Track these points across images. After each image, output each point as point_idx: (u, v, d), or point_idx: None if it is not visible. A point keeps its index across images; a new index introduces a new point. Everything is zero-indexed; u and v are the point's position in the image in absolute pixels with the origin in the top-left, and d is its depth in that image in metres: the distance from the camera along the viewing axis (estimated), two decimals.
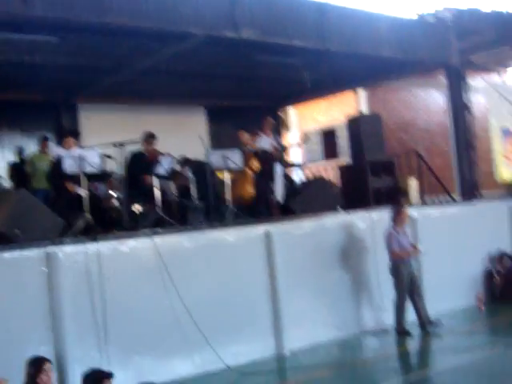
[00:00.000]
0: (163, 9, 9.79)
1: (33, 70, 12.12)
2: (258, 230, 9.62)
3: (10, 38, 10.26)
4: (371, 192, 12.31)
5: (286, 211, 11.21)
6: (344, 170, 13.52)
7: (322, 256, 10.29)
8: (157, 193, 9.96)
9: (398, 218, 10.25)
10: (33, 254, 7.63)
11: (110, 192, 10.38)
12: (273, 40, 11.44)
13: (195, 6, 10.16)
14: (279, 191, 11.92)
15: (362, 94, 18.87)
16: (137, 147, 10.59)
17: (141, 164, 10.32)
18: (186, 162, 11.94)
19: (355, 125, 13.13)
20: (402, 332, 10.07)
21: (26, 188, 11.02)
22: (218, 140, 16.17)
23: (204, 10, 10.23)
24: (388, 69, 14.69)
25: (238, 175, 10.95)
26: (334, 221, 10.66)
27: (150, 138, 10.73)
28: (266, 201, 11.42)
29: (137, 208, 9.98)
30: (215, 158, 10.41)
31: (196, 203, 10.92)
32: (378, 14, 13.22)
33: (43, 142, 12.58)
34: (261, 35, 11.15)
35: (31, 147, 13.94)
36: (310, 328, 9.85)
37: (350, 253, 10.64)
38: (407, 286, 10.07)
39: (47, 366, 6.35)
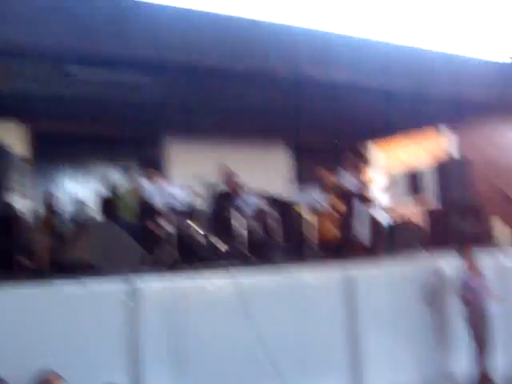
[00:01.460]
0: (252, 50, 9.99)
1: (124, 106, 12.56)
2: (340, 272, 9.58)
3: (106, 77, 10.70)
4: (457, 235, 12.08)
5: (370, 253, 11.10)
6: (430, 213, 13.34)
7: (405, 298, 10.13)
8: (240, 230, 10.05)
9: (469, 262, 10.04)
10: (117, 285, 7.81)
11: (195, 228, 10.55)
12: (361, 80, 11.49)
13: (283, 48, 10.33)
14: (363, 232, 11.82)
15: (450, 135, 18.61)
16: (221, 184, 10.75)
17: (223, 201, 10.44)
18: (270, 200, 12.00)
19: (443, 167, 12.99)
20: (483, 379, 9.78)
21: (114, 220, 11.34)
22: (303, 178, 16.21)
23: (292, 51, 10.37)
24: (478, 110, 14.50)
25: (322, 215, 10.94)
26: (419, 263, 10.51)
27: (231, 175, 10.86)
28: (349, 242, 11.33)
29: (220, 244, 10.10)
30: (300, 197, 10.46)
31: (279, 242, 10.96)
32: (468, 56, 13.12)
33: (131, 175, 12.93)
34: (349, 75, 11.24)
35: (121, 180, 14.36)
36: (390, 371, 9.69)
37: (433, 296, 10.45)
38: (480, 333, 9.80)
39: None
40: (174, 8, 9.49)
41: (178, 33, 9.44)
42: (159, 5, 9.35)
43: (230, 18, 9.98)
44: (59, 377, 6.81)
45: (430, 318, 10.40)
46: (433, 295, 10.45)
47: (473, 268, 10.04)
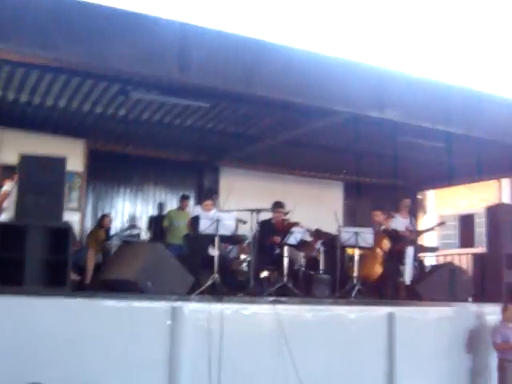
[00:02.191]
0: (311, 85, 10.09)
1: (182, 131, 12.82)
2: (381, 311, 9.55)
3: (165, 101, 10.95)
4: (505, 285, 11.89)
5: (413, 294, 11.04)
6: (478, 259, 13.16)
7: (444, 344, 10.03)
8: (285, 261, 10.12)
9: (505, 311, 9.93)
10: (160, 306, 7.94)
11: (240, 255, 10.66)
12: (416, 123, 11.49)
13: (343, 86, 10.41)
14: (408, 274, 11.78)
15: (505, 182, 18.45)
16: (270, 214, 10.83)
17: (269, 231, 10.51)
18: (317, 234, 12.06)
19: (494, 214, 12.79)
20: None
21: (162, 242, 11.54)
22: (353, 215, 16.24)
23: (351, 90, 10.44)
24: None
25: (368, 253, 10.93)
26: (461, 310, 10.41)
27: (279, 207, 10.91)
28: (393, 282, 11.29)
29: (264, 274, 10.18)
30: (347, 234, 10.46)
31: (322, 276, 11.00)
32: None
33: (183, 199, 13.15)
34: (405, 117, 11.25)
35: (172, 203, 14.61)
36: None
37: (472, 344, 10.31)
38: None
39: None
40: (239, 37, 9.68)
41: (241, 63, 9.60)
42: (225, 33, 9.54)
43: (292, 51, 10.11)
44: None
45: (468, 366, 10.24)
46: (473, 341, 10.31)
47: (508, 316, 9.90)
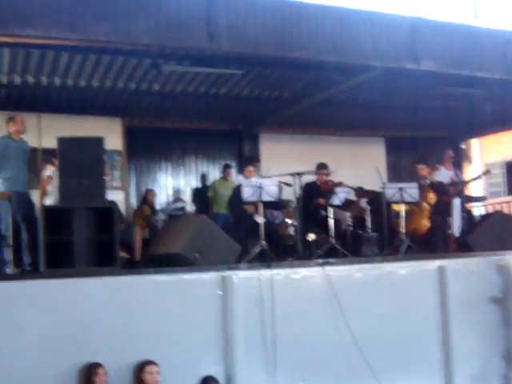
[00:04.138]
0: (344, 43, 9.97)
1: (218, 101, 12.78)
2: (431, 265, 9.41)
3: (198, 72, 10.90)
4: None
5: (463, 246, 10.90)
6: None
7: (497, 294, 9.87)
8: (331, 222, 10.06)
9: None
10: (209, 277, 7.93)
11: (286, 220, 10.62)
12: (454, 71, 11.28)
13: (375, 40, 10.25)
14: (456, 225, 11.62)
15: None
16: (312, 177, 10.76)
17: (313, 193, 10.44)
18: (362, 192, 11.96)
19: None
20: None
21: (207, 213, 11.55)
22: (396, 171, 16.08)
23: (384, 43, 10.28)
24: None
25: (414, 208, 10.79)
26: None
27: (322, 168, 10.82)
28: (441, 235, 11.15)
29: (311, 237, 10.12)
30: (391, 190, 10.33)
31: (370, 234, 10.91)
32: None
33: (225, 169, 13.12)
34: (441, 66, 11.05)
35: (214, 174, 14.62)
36: (481, 367, 9.50)
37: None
38: None
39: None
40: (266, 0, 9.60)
41: (270, 26, 9.51)
42: None
43: (321, 8, 9.96)
44: (155, 364, 7.02)
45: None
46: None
47: None
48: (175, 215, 12.22)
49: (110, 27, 8.66)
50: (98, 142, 8.26)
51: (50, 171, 9.58)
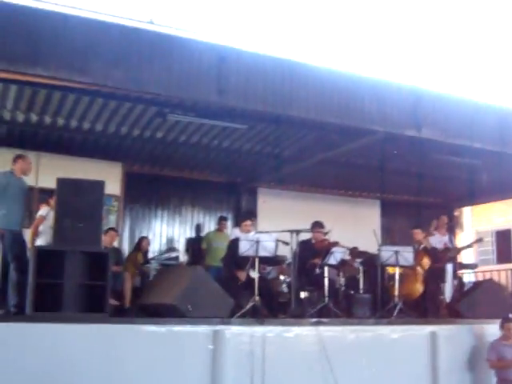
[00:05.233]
0: (348, 105, 10.09)
1: (219, 153, 12.85)
2: (423, 330, 9.42)
3: (204, 124, 10.98)
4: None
5: (454, 312, 10.89)
6: None
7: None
8: (325, 282, 10.03)
9: (503, 330, 9.62)
10: (201, 330, 7.88)
11: (280, 276, 10.59)
12: (453, 141, 11.44)
13: (379, 105, 10.40)
14: (448, 291, 11.64)
15: None
16: (309, 235, 10.75)
17: (309, 251, 10.43)
18: (356, 253, 11.98)
19: None
20: None
21: (200, 264, 11.50)
22: (390, 234, 16.12)
23: (388, 110, 10.43)
24: None
25: (408, 272, 10.81)
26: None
27: (318, 226, 10.82)
28: (434, 300, 11.16)
29: (304, 294, 10.09)
30: (387, 253, 10.35)
31: (363, 295, 10.89)
32: None
33: (221, 221, 13.12)
34: (441, 135, 11.21)
35: (210, 225, 14.60)
36: None
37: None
38: None
39: None
40: (276, 59, 9.74)
41: (279, 85, 9.64)
42: (262, 55, 9.60)
43: (329, 72, 10.12)
44: None
45: None
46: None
47: (506, 335, 9.58)
48: (168, 265, 12.15)
49: (120, 73, 8.72)
50: (98, 185, 8.27)
51: (44, 211, 9.54)
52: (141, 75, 8.82)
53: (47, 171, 11.22)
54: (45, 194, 10.39)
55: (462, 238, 19.41)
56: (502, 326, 9.60)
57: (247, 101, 9.40)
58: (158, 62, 8.87)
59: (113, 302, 9.35)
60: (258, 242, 9.23)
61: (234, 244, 9.76)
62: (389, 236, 15.68)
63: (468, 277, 15.79)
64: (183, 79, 8.92)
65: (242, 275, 9.81)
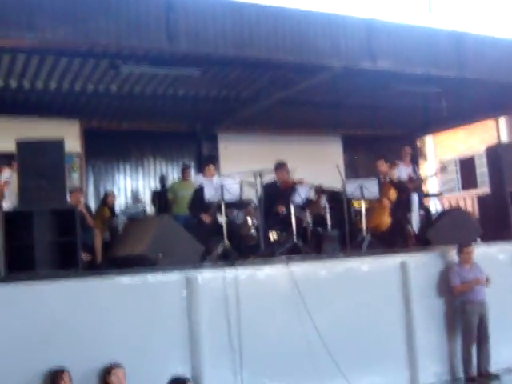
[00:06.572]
0: (302, 42, 10.05)
1: (176, 101, 12.74)
2: (393, 260, 9.53)
3: (156, 72, 10.87)
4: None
5: (422, 241, 11.04)
6: (483, 201, 13.12)
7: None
8: (292, 221, 10.09)
9: (461, 255, 9.76)
10: (174, 277, 7.89)
11: (247, 219, 10.64)
12: (410, 70, 11.45)
13: (332, 39, 10.36)
14: (415, 221, 11.78)
15: (502, 122, 18.41)
16: (273, 175, 10.78)
17: (274, 193, 10.46)
18: (321, 190, 12.02)
19: (495, 154, 12.69)
20: (470, 380, 9.41)
21: (167, 214, 11.51)
22: (354, 169, 16.25)
23: (341, 43, 10.39)
24: None
25: (375, 205, 10.90)
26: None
27: (281, 167, 10.77)
28: (402, 231, 11.29)
29: (273, 235, 10.16)
30: (351, 187, 10.41)
31: (331, 232, 10.98)
32: None
33: (184, 169, 13.11)
34: (397, 65, 11.21)
35: (173, 175, 14.58)
36: (445, 362, 9.67)
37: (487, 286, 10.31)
38: (474, 329, 9.38)
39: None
40: (224, 0, 9.63)
41: (229, 26, 9.55)
42: None
43: (280, 10, 10.04)
44: (121, 367, 6.98)
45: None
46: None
47: (464, 260, 9.75)
48: (136, 217, 12.14)
49: (68, 27, 8.57)
50: (58, 144, 8.16)
51: (7, 174, 9.44)
52: (89, 28, 8.68)
53: (6, 134, 11.01)
54: (6, 158, 10.26)
55: (425, 168, 19.64)
56: (460, 251, 9.77)
57: (198, 45, 9.32)
58: (105, 13, 8.73)
59: (85, 256, 9.37)
60: (221, 186, 9.24)
61: (199, 191, 9.78)
62: (352, 171, 15.79)
63: (434, 206, 16.02)
64: (132, 28, 8.82)
65: (207, 218, 9.85)
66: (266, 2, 10.16)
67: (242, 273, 8.27)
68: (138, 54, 10.00)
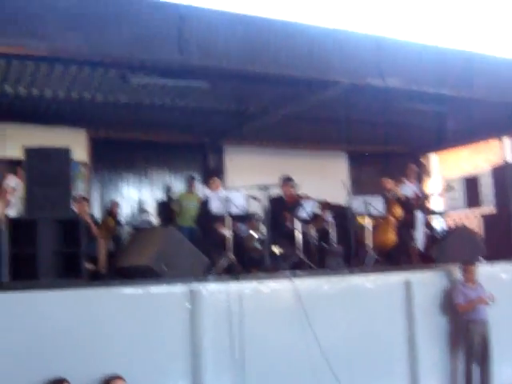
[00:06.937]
0: (311, 58, 10.06)
1: (184, 113, 12.77)
2: (397, 278, 9.51)
3: (165, 84, 10.90)
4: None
5: (426, 259, 11.02)
6: (487, 219, 13.11)
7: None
8: (297, 235, 10.09)
9: (465, 273, 9.73)
10: (178, 289, 7.87)
11: (252, 233, 10.63)
12: (418, 88, 11.46)
13: (343, 56, 10.38)
14: (420, 239, 11.76)
15: (507, 141, 18.38)
16: (279, 190, 10.77)
17: (280, 207, 10.46)
18: (326, 206, 12.01)
19: (500, 173, 12.73)
20: None
21: (173, 225, 11.50)
22: (359, 185, 16.21)
23: (351, 60, 10.41)
24: None
25: (380, 222, 10.89)
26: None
27: (287, 181, 10.79)
28: (406, 248, 11.28)
29: (277, 249, 10.15)
30: (357, 204, 10.40)
31: (335, 248, 10.96)
32: None
33: (190, 181, 13.10)
34: (406, 83, 11.22)
35: (178, 186, 14.58)
36: (447, 379, 9.62)
37: (490, 305, 10.27)
38: (477, 348, 9.33)
39: None
40: (236, 15, 9.70)
41: (240, 41, 9.58)
42: (222, 11, 9.54)
43: (291, 26, 10.07)
44: (122, 379, 6.94)
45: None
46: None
47: (468, 278, 9.72)
48: (141, 227, 12.14)
49: (79, 37, 8.59)
50: (64, 152, 8.16)
51: (13, 181, 9.45)
52: (102, 38, 8.70)
53: (14, 141, 11.09)
54: (14, 165, 10.29)
55: (430, 186, 19.59)
56: (464, 270, 9.75)
57: (209, 58, 9.34)
58: (117, 24, 8.75)
59: (89, 266, 9.35)
60: (227, 199, 9.24)
61: (205, 203, 9.78)
62: (357, 187, 15.77)
63: (438, 223, 15.97)
64: (144, 39, 8.83)
65: (221, 228, 9.83)
66: (278, 16, 10.18)
67: (246, 286, 8.25)
68: (147, 66, 10.05)
